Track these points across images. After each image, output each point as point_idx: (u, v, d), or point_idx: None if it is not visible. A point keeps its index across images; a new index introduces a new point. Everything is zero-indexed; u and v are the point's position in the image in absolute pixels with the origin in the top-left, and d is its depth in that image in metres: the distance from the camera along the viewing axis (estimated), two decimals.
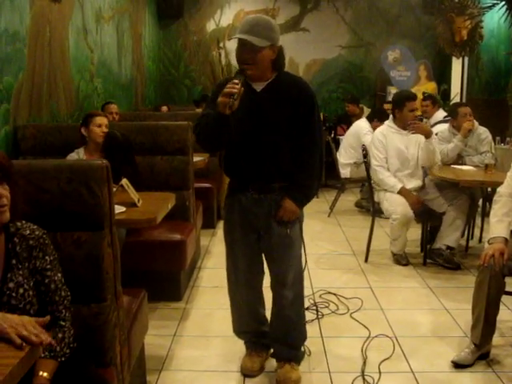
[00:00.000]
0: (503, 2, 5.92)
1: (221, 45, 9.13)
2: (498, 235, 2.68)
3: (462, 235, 4.43)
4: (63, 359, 1.67)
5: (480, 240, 4.83)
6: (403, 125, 4.28)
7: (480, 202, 4.80)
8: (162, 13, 9.05)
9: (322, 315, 3.38)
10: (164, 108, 7.28)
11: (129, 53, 7.11)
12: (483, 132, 4.66)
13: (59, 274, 1.71)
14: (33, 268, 1.65)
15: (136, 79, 7.52)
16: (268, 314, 2.79)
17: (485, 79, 7.64)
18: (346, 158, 6.07)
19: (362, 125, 6.06)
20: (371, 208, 4.61)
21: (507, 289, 2.77)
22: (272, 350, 2.78)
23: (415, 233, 4.66)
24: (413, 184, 4.32)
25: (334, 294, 3.70)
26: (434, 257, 4.27)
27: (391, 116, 4.48)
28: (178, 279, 3.65)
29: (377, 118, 6.02)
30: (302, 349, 2.77)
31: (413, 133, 4.19)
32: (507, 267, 2.66)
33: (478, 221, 4.88)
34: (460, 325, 3.23)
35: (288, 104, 2.44)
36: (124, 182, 2.85)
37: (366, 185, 5.52)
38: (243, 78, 2.33)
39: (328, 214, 6.02)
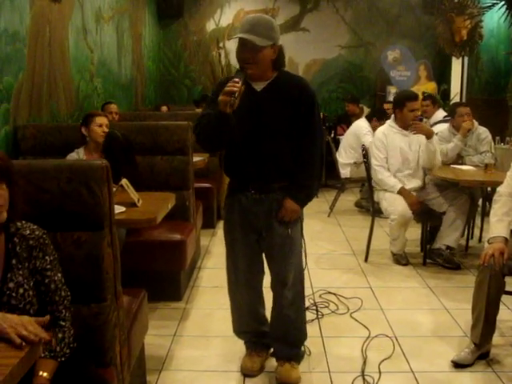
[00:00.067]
0: (503, 2, 5.92)
1: (221, 45, 9.14)
2: (498, 235, 2.68)
3: (462, 235, 4.43)
4: (63, 359, 1.67)
5: (480, 240, 4.83)
6: (404, 125, 4.28)
7: (480, 202, 4.80)
8: (161, 13, 9.05)
9: (322, 315, 3.38)
10: (164, 108, 7.28)
11: (129, 53, 7.11)
12: (483, 132, 4.66)
13: (59, 274, 1.71)
14: (33, 268, 1.65)
15: (136, 79, 7.53)
16: (268, 313, 2.79)
17: (484, 79, 7.64)
18: (345, 158, 6.07)
19: (361, 124, 6.06)
20: (371, 208, 4.61)
21: (507, 288, 2.77)
22: (272, 350, 2.79)
23: (415, 233, 4.66)
24: (413, 184, 4.32)
25: (334, 294, 3.70)
26: (433, 257, 4.27)
27: (393, 116, 4.48)
28: (178, 279, 3.65)
29: (376, 118, 6.03)
30: (302, 348, 2.77)
31: (414, 133, 4.18)
32: (507, 267, 2.66)
33: (478, 220, 4.88)
34: (460, 324, 3.23)
35: (288, 104, 2.44)
36: (124, 182, 2.85)
37: (365, 185, 5.52)
38: (244, 76, 2.33)
39: (328, 214, 6.02)
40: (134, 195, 2.85)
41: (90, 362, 1.84)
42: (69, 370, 1.67)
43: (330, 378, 2.68)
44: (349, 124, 6.75)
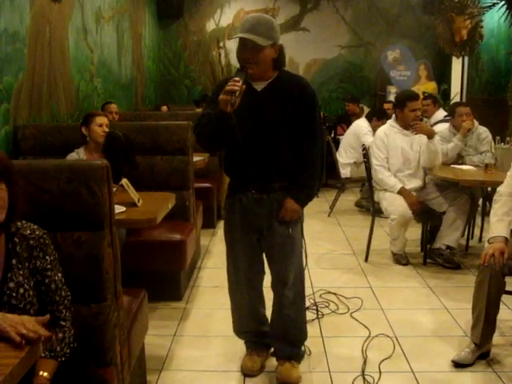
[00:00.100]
0: (503, 2, 5.92)
1: (221, 44, 9.14)
2: (498, 234, 2.68)
3: (462, 235, 4.43)
4: (63, 359, 1.67)
5: (480, 239, 4.83)
6: (405, 124, 4.28)
7: (480, 202, 4.80)
8: (161, 13, 9.05)
9: (322, 315, 3.38)
10: (164, 108, 7.28)
11: (129, 53, 7.11)
12: (483, 132, 4.66)
13: (59, 274, 1.71)
14: (33, 268, 1.65)
15: (136, 79, 7.53)
16: (268, 313, 2.79)
17: (485, 79, 7.64)
18: (345, 157, 6.07)
19: (361, 124, 6.06)
20: (371, 208, 4.61)
21: (507, 288, 2.77)
22: (272, 350, 2.79)
23: (415, 232, 4.66)
24: (413, 184, 4.32)
25: (334, 294, 3.70)
26: (434, 256, 4.27)
27: (394, 115, 4.48)
28: (178, 279, 3.65)
29: (376, 117, 6.02)
30: (303, 348, 2.77)
31: (415, 133, 4.18)
32: (507, 266, 2.66)
33: (478, 220, 4.88)
34: (460, 324, 3.23)
35: (289, 103, 2.44)
36: (124, 181, 2.85)
37: (365, 184, 5.52)
38: (244, 75, 2.33)
39: (328, 214, 6.02)
40: (134, 195, 2.85)
41: (90, 361, 1.84)
42: (69, 369, 1.67)
43: (331, 378, 2.68)
44: (349, 124, 6.75)
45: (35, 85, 4.10)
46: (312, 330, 3.06)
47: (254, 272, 2.66)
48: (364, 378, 2.66)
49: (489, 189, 4.62)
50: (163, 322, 3.28)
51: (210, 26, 9.32)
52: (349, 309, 3.48)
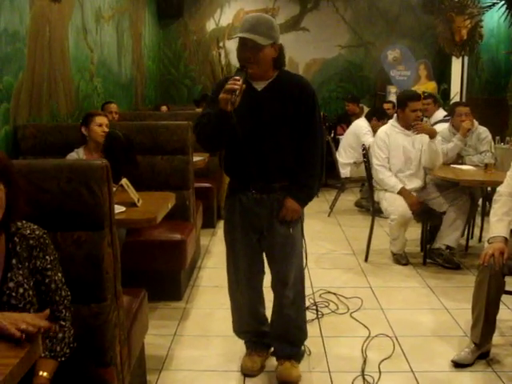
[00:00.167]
0: (503, 2, 5.92)
1: (221, 44, 9.14)
2: (498, 234, 2.68)
3: (462, 235, 4.43)
4: (63, 359, 1.67)
5: (480, 239, 4.83)
6: (406, 124, 4.27)
7: (480, 202, 4.80)
8: (161, 12, 9.05)
9: (322, 315, 3.38)
10: (164, 108, 7.28)
11: (129, 52, 7.10)
12: (483, 131, 4.66)
13: (59, 274, 1.71)
14: (33, 268, 1.65)
15: (136, 79, 7.53)
16: (268, 313, 2.79)
17: (485, 79, 7.64)
18: (345, 157, 6.07)
19: (361, 124, 6.06)
20: (371, 207, 4.61)
21: (507, 288, 2.77)
22: (272, 350, 2.79)
23: (415, 232, 4.66)
24: (414, 184, 4.31)
25: (334, 294, 3.70)
26: (433, 256, 4.27)
27: (395, 115, 4.48)
28: (178, 279, 3.65)
29: (376, 117, 6.02)
30: (303, 348, 2.78)
31: (417, 133, 4.18)
32: (507, 266, 2.66)
33: (478, 220, 4.88)
34: (460, 324, 3.23)
35: (289, 103, 2.44)
36: (124, 181, 2.85)
37: (365, 184, 5.52)
38: (245, 74, 2.32)
39: (328, 214, 6.03)
40: (134, 195, 2.85)
41: (90, 361, 1.84)
42: (69, 369, 1.67)
43: (330, 378, 2.68)
44: (349, 123, 6.75)
45: (35, 84, 4.10)
46: (312, 329, 3.06)
47: (253, 272, 2.66)
48: (364, 378, 2.66)
49: (489, 189, 4.62)
50: (163, 322, 3.28)
51: (210, 25, 9.32)
52: (349, 309, 3.48)
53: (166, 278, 3.58)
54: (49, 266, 1.67)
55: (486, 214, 4.52)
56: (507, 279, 2.73)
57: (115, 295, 1.98)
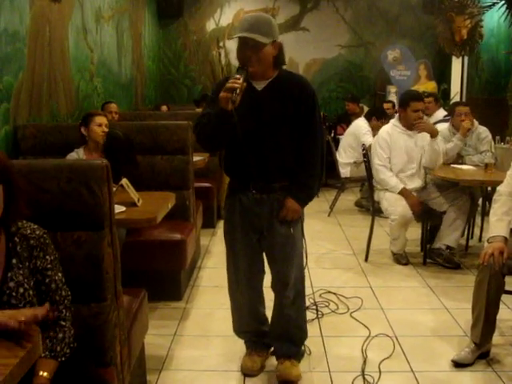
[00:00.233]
0: (503, 2, 5.92)
1: (221, 44, 9.14)
2: (498, 234, 2.68)
3: (462, 234, 4.43)
4: (63, 359, 1.67)
5: (480, 239, 4.83)
6: (407, 124, 4.26)
7: (480, 201, 4.80)
8: (161, 12, 9.05)
9: (322, 314, 3.38)
10: (164, 108, 7.28)
11: (129, 52, 7.11)
12: (483, 131, 4.66)
13: (60, 274, 1.71)
14: (33, 267, 1.65)
15: (136, 79, 7.53)
16: (268, 313, 2.79)
17: (485, 78, 7.64)
18: (345, 157, 6.07)
19: (360, 124, 6.06)
20: (371, 207, 4.61)
21: (507, 288, 2.77)
22: (272, 349, 2.79)
23: (415, 232, 4.66)
24: (415, 184, 4.31)
25: (334, 294, 3.70)
26: (433, 256, 4.27)
27: (397, 115, 4.47)
28: (178, 279, 3.65)
29: (375, 116, 6.02)
30: (303, 347, 2.78)
31: (419, 132, 4.18)
32: (507, 266, 2.66)
33: (478, 220, 4.88)
34: (460, 324, 3.23)
35: (289, 102, 2.44)
36: (124, 181, 2.85)
37: (365, 184, 5.52)
38: (245, 73, 2.32)
39: (328, 214, 6.03)
40: (134, 195, 2.85)
41: (90, 361, 1.84)
42: (69, 369, 1.67)
43: (330, 378, 2.68)
44: (349, 123, 6.75)
45: (35, 84, 4.10)
46: (312, 329, 3.06)
47: (254, 272, 2.66)
48: (364, 378, 2.66)
49: (489, 188, 4.62)
50: (163, 322, 3.28)
51: (210, 25, 9.32)
52: (349, 308, 3.48)
53: (166, 278, 3.58)
54: (49, 266, 1.67)
55: (486, 213, 4.52)
56: (507, 279, 2.73)
57: (115, 295, 1.98)
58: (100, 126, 3.50)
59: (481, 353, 2.77)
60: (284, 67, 2.54)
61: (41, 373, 1.59)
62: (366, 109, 7.65)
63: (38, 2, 4.14)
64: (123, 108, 6.34)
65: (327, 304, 3.54)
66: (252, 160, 2.46)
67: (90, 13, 5.48)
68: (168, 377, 2.71)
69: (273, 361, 2.76)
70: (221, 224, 2.97)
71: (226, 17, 9.25)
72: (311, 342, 2.91)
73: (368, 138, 5.66)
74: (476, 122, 4.68)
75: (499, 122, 6.37)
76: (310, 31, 9.18)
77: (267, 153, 2.45)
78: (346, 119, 7.47)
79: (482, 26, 7.66)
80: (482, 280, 2.66)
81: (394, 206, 4.19)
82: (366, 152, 4.48)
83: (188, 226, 3.78)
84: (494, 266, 2.59)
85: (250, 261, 2.62)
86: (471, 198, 4.28)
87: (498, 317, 2.75)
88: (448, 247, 4.21)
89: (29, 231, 1.65)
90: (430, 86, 8.20)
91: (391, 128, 4.39)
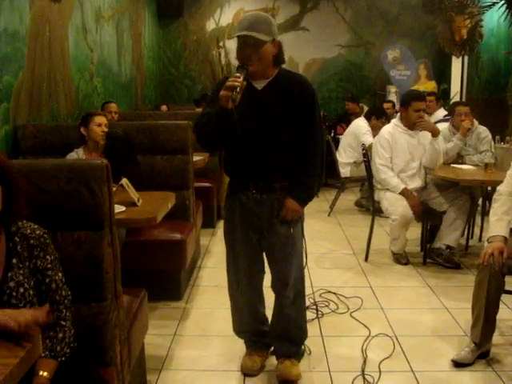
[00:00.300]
0: (503, 1, 5.92)
1: (220, 44, 9.14)
2: (498, 234, 2.68)
3: (462, 234, 4.43)
4: (63, 359, 1.67)
5: (480, 239, 4.83)
6: (409, 124, 4.26)
7: (480, 201, 4.80)
8: (161, 12, 9.05)
9: (322, 314, 3.38)
10: (164, 107, 7.28)
11: (128, 52, 7.11)
12: (483, 131, 4.66)
13: (60, 274, 1.71)
14: (33, 267, 1.65)
15: (136, 79, 7.53)
16: (268, 313, 2.79)
17: (485, 78, 7.64)
18: (345, 157, 6.07)
19: (360, 124, 6.05)
20: (371, 207, 4.61)
21: (507, 287, 2.77)
22: (272, 349, 2.79)
23: (415, 232, 4.66)
24: (415, 184, 4.31)
25: (334, 293, 3.70)
26: (433, 256, 4.27)
27: (398, 115, 4.47)
28: (178, 279, 3.65)
29: (375, 116, 6.02)
30: (303, 347, 2.77)
31: (420, 130, 4.18)
32: (507, 266, 2.66)
33: (478, 220, 4.88)
34: (460, 324, 3.23)
35: (289, 102, 2.44)
36: (124, 181, 2.85)
37: (365, 184, 5.52)
38: (245, 72, 2.32)
39: (328, 214, 6.03)
40: (133, 195, 2.85)
41: (90, 361, 1.84)
42: (69, 369, 1.67)
43: (331, 378, 2.68)
44: (348, 123, 6.74)
45: (35, 84, 4.10)
46: (312, 329, 3.06)
47: (253, 272, 2.66)
48: (364, 378, 2.66)
49: (489, 188, 4.62)
50: (163, 322, 3.28)
51: (210, 25, 9.32)
52: (349, 308, 3.48)
53: (166, 278, 3.58)
54: (49, 266, 1.67)
55: (486, 213, 4.52)
56: (507, 279, 2.73)
57: (115, 295, 1.98)
58: (99, 125, 3.50)
59: (481, 352, 2.77)
60: (284, 67, 2.54)
61: (41, 372, 1.59)
62: (365, 108, 7.65)
63: (38, 1, 4.14)
64: (123, 108, 6.34)
65: (327, 304, 3.54)
66: (252, 160, 2.45)
67: (90, 13, 5.48)
68: (168, 377, 2.71)
69: (273, 360, 2.76)
70: (221, 224, 2.97)
71: (225, 17, 9.25)
72: (311, 342, 2.91)
73: (368, 138, 5.66)
74: (476, 122, 4.68)
75: (499, 121, 6.37)
76: (310, 31, 9.18)
77: (267, 152, 2.45)
78: (346, 119, 7.47)
79: (481, 26, 7.66)
80: (481, 280, 2.66)
81: (395, 205, 4.19)
82: (366, 152, 4.48)
83: (188, 226, 3.78)
84: (493, 265, 2.59)
85: (249, 261, 2.62)
86: (471, 197, 4.28)
87: (498, 317, 2.75)
88: (448, 247, 4.21)
89: (29, 231, 1.65)
90: (429, 86, 8.20)
91: (393, 128, 4.38)
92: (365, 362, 2.80)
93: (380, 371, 2.71)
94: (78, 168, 1.91)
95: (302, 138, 2.47)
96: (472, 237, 4.83)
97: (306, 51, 9.05)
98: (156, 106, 7.79)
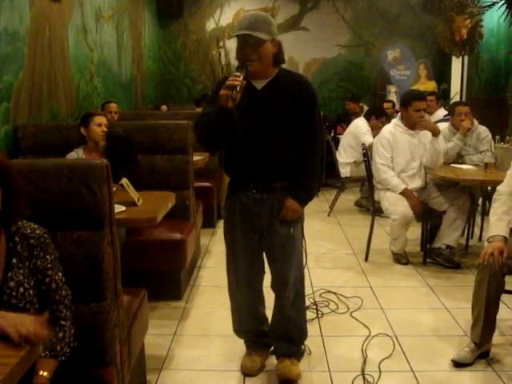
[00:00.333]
0: (503, 1, 5.92)
1: (221, 44, 9.14)
2: (498, 234, 2.68)
3: (462, 234, 4.43)
4: (63, 358, 1.67)
5: (480, 239, 4.83)
6: (409, 124, 4.26)
7: (480, 201, 4.80)
8: (161, 12, 9.05)
9: (322, 314, 3.38)
10: (164, 107, 7.28)
11: (129, 52, 7.11)
12: (483, 131, 4.66)
13: (60, 274, 1.71)
14: (33, 267, 1.65)
15: (136, 78, 7.53)
16: (268, 313, 2.79)
17: (485, 78, 7.64)
18: (345, 157, 6.06)
19: (360, 124, 6.05)
20: (371, 207, 4.61)
21: (507, 287, 2.77)
22: (272, 349, 2.79)
23: (415, 232, 4.66)
24: (415, 184, 4.31)
25: (334, 293, 3.70)
26: (433, 256, 4.27)
27: (399, 114, 4.47)
28: (178, 278, 3.65)
29: (375, 116, 6.02)
30: (303, 347, 2.78)
31: (421, 130, 4.18)
32: (507, 266, 2.66)
33: (478, 219, 4.88)
34: (460, 324, 3.23)
35: (289, 101, 2.44)
36: (124, 181, 2.85)
37: (365, 184, 5.52)
38: (245, 71, 2.32)
39: (328, 213, 6.02)
40: (133, 194, 2.85)
41: (90, 361, 1.84)
42: (69, 369, 1.67)
43: (330, 378, 2.68)
44: (349, 123, 6.74)
45: (35, 84, 4.10)
46: (312, 329, 3.05)
47: (253, 272, 2.66)
48: (364, 378, 2.66)
49: (489, 188, 4.62)
50: (163, 322, 3.28)
51: (210, 25, 9.33)
52: (349, 308, 3.48)
53: (166, 278, 3.58)
54: (49, 266, 1.67)
55: (486, 213, 4.52)
56: (507, 278, 2.73)
57: (115, 295, 1.98)
58: (99, 125, 3.50)
59: (481, 352, 2.77)
60: (284, 67, 2.54)
61: (41, 372, 1.59)
62: (365, 108, 7.65)
63: (38, 1, 4.14)
64: (123, 108, 6.33)
65: (327, 304, 3.54)
66: (252, 159, 2.45)
67: (90, 12, 5.48)
68: (168, 376, 2.71)
69: (273, 360, 2.76)
70: (221, 224, 2.96)
71: (225, 17, 9.26)
72: (311, 342, 2.91)
73: (368, 138, 5.66)
74: (476, 122, 4.68)
75: (499, 121, 6.37)
76: (310, 31, 9.18)
77: (267, 152, 2.45)
78: (346, 119, 7.47)
79: (481, 26, 7.66)
80: (481, 280, 2.66)
81: (395, 205, 4.19)
82: (366, 151, 4.48)
83: (188, 226, 3.78)
84: (493, 265, 2.59)
85: (249, 261, 2.62)
86: (471, 197, 4.28)
87: (498, 316, 2.74)
88: (448, 247, 4.21)
89: (29, 231, 1.65)
90: (429, 86, 8.20)
91: (393, 128, 4.37)
92: (365, 361, 2.80)
93: (380, 371, 2.71)
94: (78, 168, 1.91)
95: (302, 138, 2.47)
96: (472, 237, 4.83)
97: (306, 51, 9.05)
98: (156, 105, 7.79)
